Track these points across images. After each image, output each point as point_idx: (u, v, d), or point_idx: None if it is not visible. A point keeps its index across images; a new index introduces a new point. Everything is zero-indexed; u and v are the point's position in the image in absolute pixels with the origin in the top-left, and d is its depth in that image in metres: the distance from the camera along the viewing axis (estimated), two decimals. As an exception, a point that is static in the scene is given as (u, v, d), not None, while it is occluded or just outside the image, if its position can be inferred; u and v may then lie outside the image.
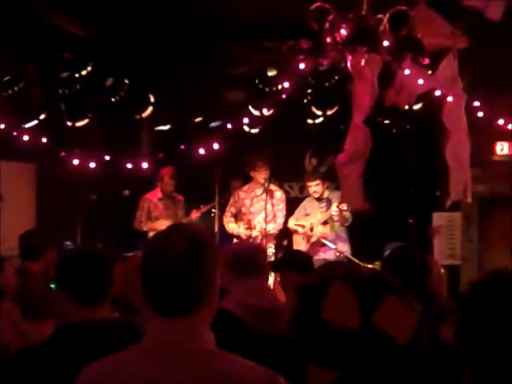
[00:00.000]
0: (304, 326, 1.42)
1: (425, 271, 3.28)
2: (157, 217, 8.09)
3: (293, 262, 4.02)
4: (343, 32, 4.81)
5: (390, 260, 3.42)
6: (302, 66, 5.37)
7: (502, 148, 8.01)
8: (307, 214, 8.12)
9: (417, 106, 6.72)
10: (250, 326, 2.94)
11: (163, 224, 8.01)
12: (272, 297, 3.08)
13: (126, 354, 1.79)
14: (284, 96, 6.20)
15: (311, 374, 1.38)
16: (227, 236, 8.17)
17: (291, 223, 8.12)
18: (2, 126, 6.42)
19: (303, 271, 4.30)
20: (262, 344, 2.80)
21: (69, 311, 2.47)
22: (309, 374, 1.39)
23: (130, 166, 6.90)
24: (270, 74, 6.54)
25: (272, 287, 3.38)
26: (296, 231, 8.10)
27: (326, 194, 8.10)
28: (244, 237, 7.92)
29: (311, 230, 7.98)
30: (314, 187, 7.97)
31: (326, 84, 6.40)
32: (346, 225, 7.92)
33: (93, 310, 2.43)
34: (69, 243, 7.48)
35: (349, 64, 4.99)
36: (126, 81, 6.65)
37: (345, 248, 7.88)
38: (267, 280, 3.21)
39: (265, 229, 7.70)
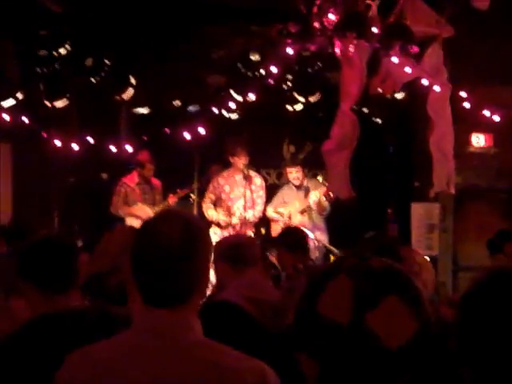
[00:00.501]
0: (300, 315, 1.39)
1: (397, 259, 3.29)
2: (134, 201, 8.01)
3: (286, 241, 4.02)
4: (331, 17, 4.76)
5: (362, 248, 3.41)
6: (289, 50, 5.31)
7: (477, 140, 8.05)
8: (285, 202, 8.11)
9: (399, 95, 6.70)
10: (257, 319, 2.93)
11: (140, 209, 7.95)
12: (270, 288, 3.05)
13: (112, 342, 1.75)
14: (271, 81, 6.11)
15: (302, 364, 1.36)
16: (206, 223, 8.11)
17: (269, 211, 8.11)
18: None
19: (295, 250, 4.30)
20: (273, 337, 2.81)
21: (36, 301, 2.39)
22: (300, 363, 1.36)
23: (114, 149, 6.76)
24: (252, 58, 6.46)
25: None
26: (274, 219, 8.07)
27: (304, 183, 8.08)
28: (223, 224, 7.87)
29: (289, 218, 7.97)
30: (295, 173, 7.96)
31: (309, 70, 6.33)
32: (324, 214, 7.92)
33: (60, 299, 2.35)
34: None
35: (337, 50, 4.95)
36: (107, 61, 6.50)
37: (322, 237, 7.90)
38: (262, 272, 3.18)
39: (244, 216, 7.66)
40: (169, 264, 1.68)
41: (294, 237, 4.51)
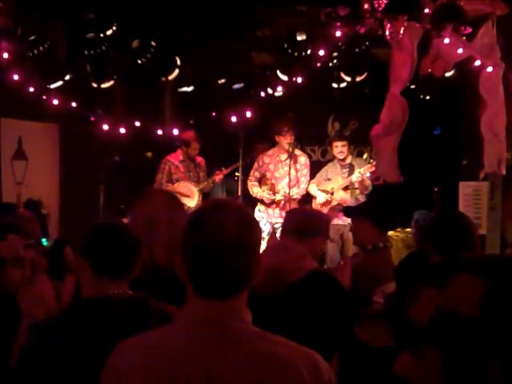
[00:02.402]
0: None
1: (471, 234, 3.27)
2: (178, 179, 8.05)
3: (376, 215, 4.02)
4: (382, -2, 4.65)
5: (435, 225, 3.38)
6: (338, 33, 5.22)
7: (531, 116, 7.86)
8: (328, 179, 8.08)
9: (448, 74, 6.55)
10: None
11: (184, 186, 8.00)
12: (283, 255, 3.07)
13: (163, 332, 1.75)
14: (318, 64, 6.03)
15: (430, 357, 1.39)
16: (251, 199, 8.13)
17: (312, 188, 8.08)
18: (32, 90, 6.33)
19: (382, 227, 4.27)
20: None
21: (86, 282, 2.44)
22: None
23: (160, 132, 6.79)
24: (299, 38, 6.38)
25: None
26: (315, 196, 8.06)
27: (349, 159, 8.04)
28: (267, 201, 7.90)
29: (332, 194, 7.95)
30: (341, 147, 7.92)
31: (357, 49, 6.23)
32: (366, 193, 7.87)
33: (110, 285, 2.38)
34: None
35: (387, 33, 4.84)
36: (153, 43, 6.50)
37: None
38: (305, 244, 3.19)
39: (288, 193, 7.65)
40: (225, 255, 1.67)
41: (378, 211, 4.48)
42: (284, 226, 3.32)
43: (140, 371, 1.67)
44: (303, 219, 3.30)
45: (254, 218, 1.80)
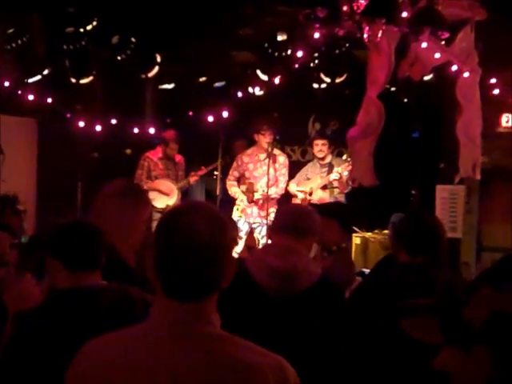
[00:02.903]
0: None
1: (438, 237, 3.32)
2: (157, 176, 8.05)
3: (340, 215, 4.03)
4: (361, 1, 4.66)
5: (403, 226, 3.42)
6: (316, 35, 5.23)
7: (507, 120, 7.92)
8: (308, 178, 8.12)
9: (427, 77, 6.59)
10: (257, 278, 2.94)
11: (163, 184, 7.99)
12: (294, 257, 3.01)
13: (129, 333, 1.73)
14: (296, 66, 6.04)
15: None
16: (229, 198, 8.13)
17: (292, 187, 8.11)
18: (7, 84, 6.28)
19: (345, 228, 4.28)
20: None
21: (60, 279, 2.50)
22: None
23: (136, 130, 6.77)
24: (279, 38, 6.38)
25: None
26: (295, 195, 8.08)
27: (329, 159, 8.06)
28: (245, 201, 7.91)
29: (310, 194, 7.98)
30: (321, 146, 7.94)
31: (337, 51, 6.25)
32: (346, 191, 7.91)
33: (85, 277, 2.47)
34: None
35: (365, 35, 4.85)
36: (133, 39, 6.48)
37: (341, 215, 7.88)
38: (306, 242, 3.15)
39: (267, 193, 7.66)
40: (194, 258, 1.65)
41: (344, 212, 4.49)
42: (278, 222, 3.20)
43: (103, 372, 1.67)
44: (300, 217, 3.18)
45: (227, 221, 1.78)
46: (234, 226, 1.81)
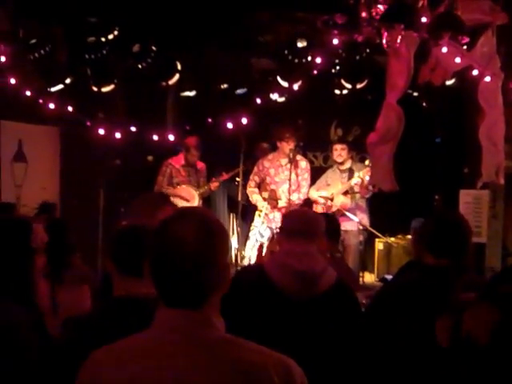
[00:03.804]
0: None
1: (463, 236, 3.21)
2: (178, 183, 8.07)
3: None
4: (380, 7, 4.64)
5: (427, 225, 3.32)
6: (335, 41, 5.21)
7: (531, 124, 7.82)
8: (328, 184, 8.09)
9: (450, 82, 6.53)
10: (279, 282, 2.98)
11: (185, 190, 8.01)
12: (312, 261, 3.05)
13: (135, 341, 1.74)
14: (315, 72, 6.03)
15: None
16: (250, 205, 8.13)
17: (312, 193, 8.08)
18: (29, 93, 6.36)
19: (332, 237, 4.29)
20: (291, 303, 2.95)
21: (115, 283, 2.58)
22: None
23: (156, 137, 6.81)
24: (299, 45, 6.38)
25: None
26: (316, 201, 8.05)
27: (348, 164, 8.04)
28: (267, 209, 7.89)
29: (331, 199, 7.94)
30: (340, 151, 7.92)
31: (357, 57, 6.22)
32: (367, 196, 7.87)
33: (139, 284, 2.47)
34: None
35: (384, 41, 4.82)
36: (153, 47, 6.52)
37: (364, 219, 7.86)
38: (316, 245, 3.19)
39: (289, 199, 7.65)
40: (186, 266, 1.66)
41: (332, 224, 4.49)
42: (289, 227, 3.24)
43: (107, 382, 1.67)
44: (308, 220, 3.25)
45: (219, 228, 1.77)
46: (226, 232, 1.83)
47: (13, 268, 3.26)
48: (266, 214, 7.95)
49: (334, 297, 3.06)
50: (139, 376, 1.65)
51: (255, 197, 8.00)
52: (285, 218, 3.47)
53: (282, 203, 7.85)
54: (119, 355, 1.71)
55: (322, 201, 7.98)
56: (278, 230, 5.57)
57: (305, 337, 2.88)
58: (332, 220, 4.59)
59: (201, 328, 1.69)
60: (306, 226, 3.18)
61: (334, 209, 7.88)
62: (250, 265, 6.99)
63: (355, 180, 7.73)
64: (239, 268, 7.50)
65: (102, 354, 1.75)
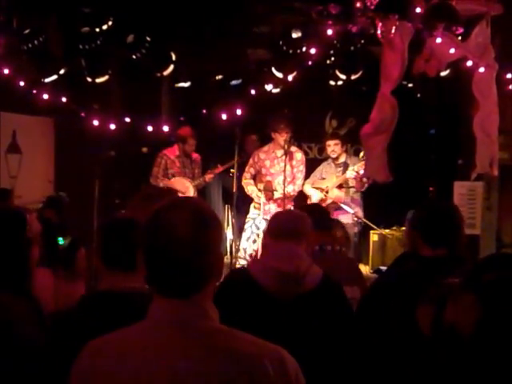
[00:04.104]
0: None
1: (455, 223, 3.22)
2: (173, 174, 8.06)
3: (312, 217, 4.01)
4: (375, -3, 4.63)
5: (419, 214, 3.33)
6: (329, 31, 5.21)
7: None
8: (323, 178, 8.08)
9: (444, 73, 6.53)
10: (264, 284, 3.01)
11: (178, 182, 8.00)
12: (298, 261, 3.07)
13: (130, 331, 1.74)
14: (310, 62, 6.03)
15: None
16: (245, 196, 8.12)
17: (307, 187, 8.07)
18: (23, 84, 6.34)
19: (321, 228, 4.28)
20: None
21: (102, 276, 2.53)
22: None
23: (150, 128, 6.79)
24: (294, 35, 6.37)
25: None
26: (311, 198, 8.05)
27: (343, 158, 8.03)
28: (262, 200, 7.88)
29: (326, 192, 7.94)
30: (333, 146, 7.92)
31: (352, 48, 6.22)
32: (362, 190, 7.87)
33: (124, 278, 2.44)
34: (63, 194, 7.46)
35: (379, 31, 4.82)
36: (148, 38, 6.50)
37: (359, 212, 7.87)
38: (303, 245, 3.20)
39: (283, 190, 7.65)
40: (179, 255, 1.66)
41: (319, 214, 4.48)
42: (275, 228, 3.26)
43: (106, 372, 1.68)
44: (294, 221, 3.27)
45: (212, 217, 1.77)
46: (219, 221, 1.82)
47: (11, 260, 3.26)
48: (263, 204, 7.93)
49: (319, 294, 3.07)
50: (137, 367, 1.65)
51: (251, 188, 7.99)
52: (271, 220, 3.45)
53: (277, 194, 7.85)
54: (117, 346, 1.71)
55: (316, 195, 7.96)
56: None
57: (292, 336, 2.86)
58: (320, 211, 4.57)
59: (195, 318, 1.69)
60: (291, 226, 3.20)
61: (328, 201, 7.88)
62: (236, 268, 6.98)
63: (350, 173, 7.72)
64: (233, 261, 7.52)
65: (99, 344, 1.75)
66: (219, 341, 1.67)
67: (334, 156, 7.96)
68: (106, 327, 2.17)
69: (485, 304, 1.52)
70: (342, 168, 7.94)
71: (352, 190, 7.88)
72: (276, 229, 3.24)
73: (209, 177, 8.16)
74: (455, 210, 3.30)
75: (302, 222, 3.26)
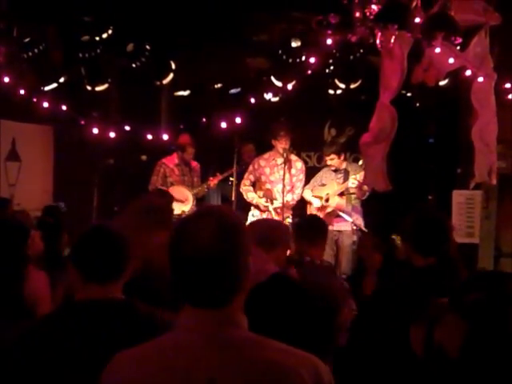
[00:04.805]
0: None
1: (443, 230, 3.25)
2: (172, 182, 8.05)
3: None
4: (374, 7, 4.65)
5: (407, 221, 3.35)
6: (329, 41, 5.23)
7: (525, 124, 7.84)
8: (323, 184, 8.06)
9: (443, 82, 6.55)
10: None
11: (177, 191, 7.98)
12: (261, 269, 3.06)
13: (159, 343, 1.72)
14: (309, 72, 6.05)
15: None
16: (245, 204, 8.12)
17: (307, 194, 8.05)
18: (23, 92, 6.35)
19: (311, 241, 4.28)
20: None
21: (77, 287, 2.45)
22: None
23: (150, 137, 6.81)
24: (293, 44, 6.39)
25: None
26: (311, 203, 8.04)
27: (343, 165, 8.02)
28: (263, 208, 7.87)
29: (327, 200, 7.93)
30: (330, 161, 7.91)
31: (351, 57, 6.24)
32: (363, 198, 7.86)
33: (100, 289, 2.39)
34: (62, 204, 7.46)
35: (378, 41, 4.84)
36: (147, 46, 6.52)
37: (358, 220, 7.85)
38: (276, 254, 3.22)
39: (282, 199, 7.64)
40: (206, 265, 1.63)
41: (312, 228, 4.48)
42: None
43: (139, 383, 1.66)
44: (266, 230, 3.33)
45: (240, 225, 1.74)
46: (246, 231, 1.79)
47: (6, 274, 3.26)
48: (260, 213, 7.90)
49: (266, 290, 3.05)
50: (167, 378, 1.63)
51: (251, 195, 7.95)
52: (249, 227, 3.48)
53: (277, 203, 7.81)
54: (146, 357, 1.69)
55: (316, 202, 7.96)
56: None
57: None
58: (313, 223, 4.57)
59: (227, 328, 1.66)
60: (261, 236, 3.21)
61: (329, 209, 7.87)
62: None
63: (351, 183, 7.69)
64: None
65: (129, 356, 1.73)
66: (254, 351, 1.65)
67: (333, 169, 7.97)
68: (74, 336, 2.15)
69: (469, 323, 1.53)
70: (342, 175, 7.92)
71: (353, 196, 7.85)
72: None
73: (213, 183, 8.16)
74: (443, 218, 3.35)
75: (273, 231, 3.36)
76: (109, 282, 2.41)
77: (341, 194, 7.90)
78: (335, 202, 7.87)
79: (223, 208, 1.84)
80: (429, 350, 1.66)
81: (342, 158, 8.02)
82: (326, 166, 8.28)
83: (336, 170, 7.99)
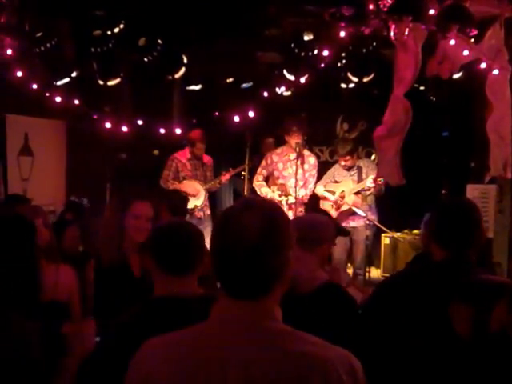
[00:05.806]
0: None
1: (471, 222, 2.91)
2: (184, 177, 8.05)
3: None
4: (388, -1, 4.61)
5: (432, 212, 3.05)
6: (342, 33, 5.18)
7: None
8: (336, 181, 8.00)
9: (457, 75, 6.49)
10: None
11: (189, 185, 7.98)
12: (296, 267, 3.06)
13: (192, 331, 1.73)
14: (321, 65, 6.01)
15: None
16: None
17: (319, 189, 8.00)
18: (34, 86, 6.36)
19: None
20: None
21: (156, 280, 2.53)
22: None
23: (162, 131, 6.79)
24: (306, 38, 6.35)
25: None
26: (325, 198, 7.99)
27: (356, 163, 7.95)
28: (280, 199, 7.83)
29: (342, 197, 7.86)
30: (343, 162, 7.84)
31: (364, 50, 6.19)
32: (379, 195, 7.82)
33: (178, 282, 2.46)
34: (85, 200, 7.47)
35: (392, 34, 4.79)
36: (159, 41, 6.50)
37: (373, 216, 7.81)
38: (313, 252, 3.21)
39: (295, 194, 7.60)
40: (249, 257, 1.64)
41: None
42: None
43: (171, 370, 1.66)
44: (309, 228, 3.25)
45: (283, 218, 1.75)
46: (289, 224, 1.80)
47: (21, 270, 3.26)
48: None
49: (318, 297, 3.07)
50: (201, 367, 1.63)
51: (264, 190, 7.90)
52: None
53: (291, 199, 7.75)
54: (176, 344, 1.70)
55: (331, 198, 7.89)
56: None
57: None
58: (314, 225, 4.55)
59: (264, 320, 1.67)
60: (304, 234, 3.16)
61: (344, 207, 7.82)
62: None
63: (369, 182, 7.60)
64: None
65: (157, 343, 1.74)
66: (289, 343, 1.65)
67: (346, 169, 7.91)
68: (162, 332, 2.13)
69: (475, 308, 1.53)
70: (356, 171, 7.86)
71: (367, 192, 7.78)
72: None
73: (225, 178, 8.13)
74: (471, 208, 3.00)
75: (317, 229, 3.27)
76: (186, 274, 2.49)
77: (357, 193, 7.84)
78: (351, 200, 7.80)
79: (267, 201, 1.83)
80: (481, 331, 1.63)
81: (356, 156, 7.95)
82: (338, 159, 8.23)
83: (349, 168, 7.93)
